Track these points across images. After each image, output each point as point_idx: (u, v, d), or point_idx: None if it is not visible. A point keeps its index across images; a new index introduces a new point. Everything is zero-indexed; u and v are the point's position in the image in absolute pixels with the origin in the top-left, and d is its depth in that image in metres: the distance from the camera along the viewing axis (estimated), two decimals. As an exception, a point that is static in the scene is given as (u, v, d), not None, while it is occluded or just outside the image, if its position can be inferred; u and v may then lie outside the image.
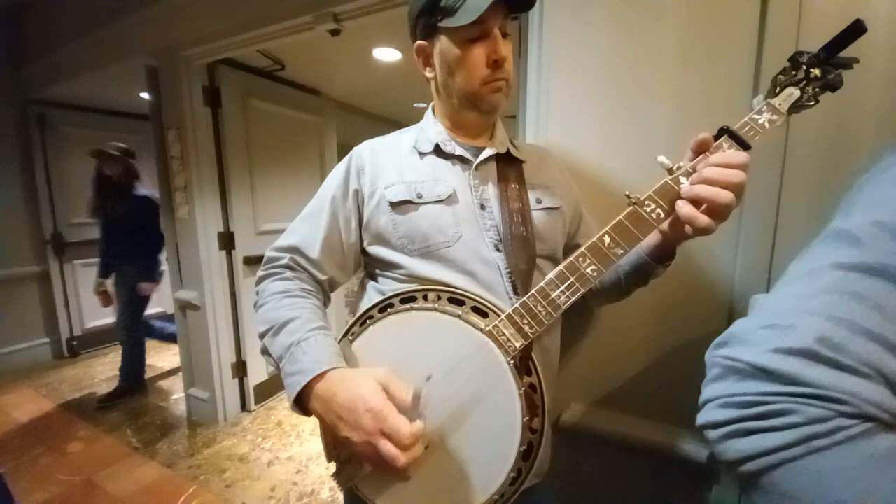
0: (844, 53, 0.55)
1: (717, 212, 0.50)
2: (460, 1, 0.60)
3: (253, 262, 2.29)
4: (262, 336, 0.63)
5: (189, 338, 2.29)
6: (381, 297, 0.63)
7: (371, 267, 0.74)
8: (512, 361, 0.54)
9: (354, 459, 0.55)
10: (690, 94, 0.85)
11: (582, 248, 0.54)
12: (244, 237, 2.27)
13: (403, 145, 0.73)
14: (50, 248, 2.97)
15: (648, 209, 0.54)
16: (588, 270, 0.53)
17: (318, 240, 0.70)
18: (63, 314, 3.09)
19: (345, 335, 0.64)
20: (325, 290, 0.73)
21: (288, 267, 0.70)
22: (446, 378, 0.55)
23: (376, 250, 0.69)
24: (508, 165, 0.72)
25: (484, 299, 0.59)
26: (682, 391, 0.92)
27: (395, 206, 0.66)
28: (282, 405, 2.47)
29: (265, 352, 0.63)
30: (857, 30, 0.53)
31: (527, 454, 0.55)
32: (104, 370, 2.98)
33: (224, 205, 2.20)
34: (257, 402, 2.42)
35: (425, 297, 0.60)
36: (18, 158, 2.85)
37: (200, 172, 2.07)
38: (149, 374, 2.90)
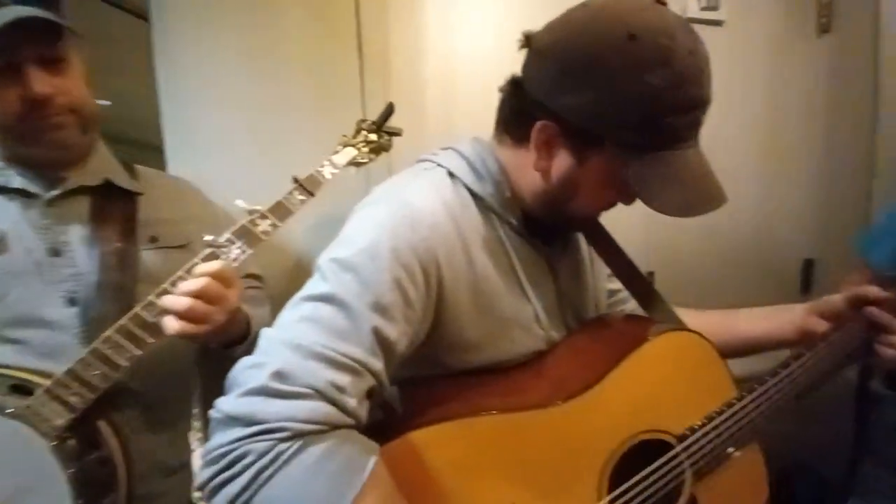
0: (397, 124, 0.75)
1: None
2: None
3: None
4: None
5: None
6: None
7: None
8: (55, 443, 0.46)
9: None
10: (316, 138, 0.89)
11: (150, 297, 0.51)
12: None
13: None
14: None
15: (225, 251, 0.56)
16: (153, 320, 0.51)
17: None
18: None
19: None
20: None
21: None
22: None
23: None
24: (110, 200, 0.63)
25: (29, 372, 0.49)
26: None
27: None
28: None
29: None
30: (389, 111, 0.75)
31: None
32: None
33: None
34: None
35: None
36: None
37: None
38: None
